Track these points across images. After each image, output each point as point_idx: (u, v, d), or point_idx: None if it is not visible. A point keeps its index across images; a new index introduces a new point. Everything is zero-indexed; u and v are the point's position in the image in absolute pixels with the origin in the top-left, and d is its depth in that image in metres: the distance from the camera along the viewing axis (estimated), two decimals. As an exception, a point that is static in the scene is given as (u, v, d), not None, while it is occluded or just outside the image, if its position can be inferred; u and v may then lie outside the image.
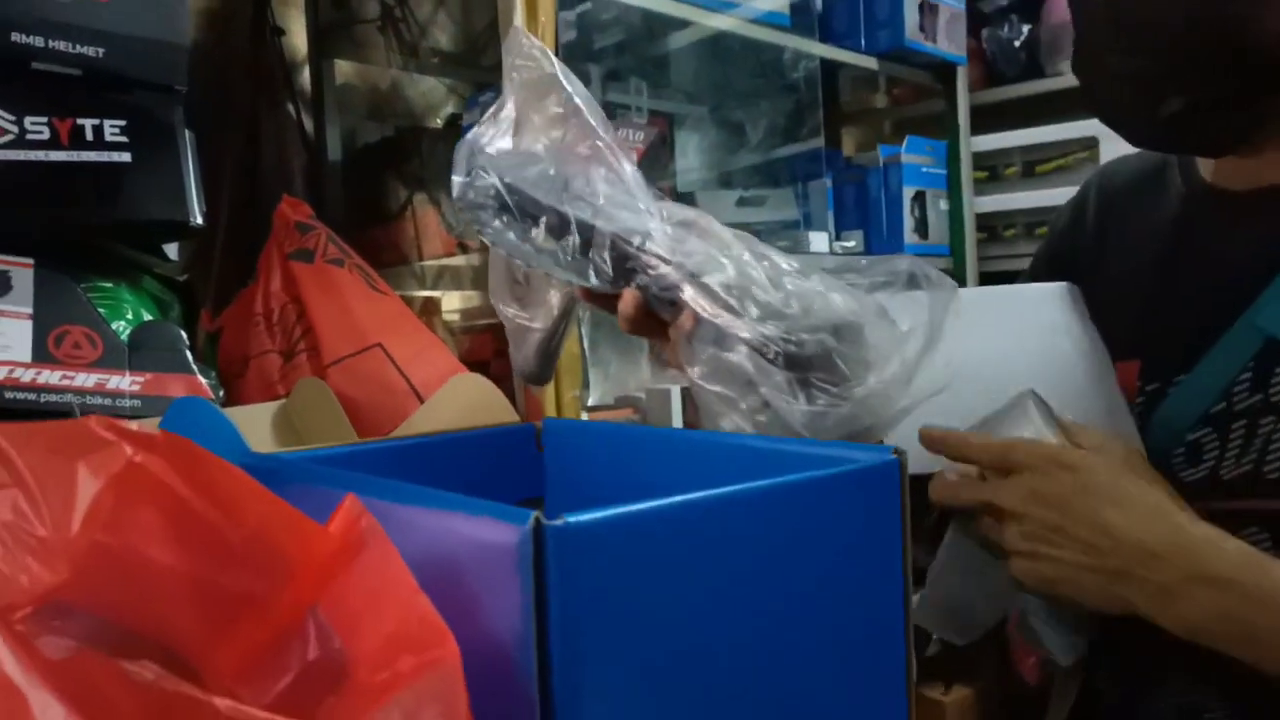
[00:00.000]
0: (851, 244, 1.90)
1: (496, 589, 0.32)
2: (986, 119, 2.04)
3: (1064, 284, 0.70)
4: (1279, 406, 0.59)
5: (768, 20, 1.59)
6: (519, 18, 1.21)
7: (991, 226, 2.08)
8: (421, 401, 1.00)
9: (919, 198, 1.92)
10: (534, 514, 0.31)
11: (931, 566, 0.63)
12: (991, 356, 0.62)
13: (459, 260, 1.50)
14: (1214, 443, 0.62)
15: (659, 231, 0.54)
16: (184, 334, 1.00)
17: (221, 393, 1.00)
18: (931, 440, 0.59)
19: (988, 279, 2.02)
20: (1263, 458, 0.58)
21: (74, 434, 0.28)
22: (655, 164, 1.63)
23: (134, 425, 0.30)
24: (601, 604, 0.32)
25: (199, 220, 1.02)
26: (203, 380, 0.97)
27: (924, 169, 1.92)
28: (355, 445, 0.60)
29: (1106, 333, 0.68)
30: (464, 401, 0.75)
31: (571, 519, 0.31)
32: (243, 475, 0.31)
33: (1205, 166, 0.66)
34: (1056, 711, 0.67)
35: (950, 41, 1.85)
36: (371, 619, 0.32)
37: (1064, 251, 0.79)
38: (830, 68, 1.88)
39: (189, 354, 0.99)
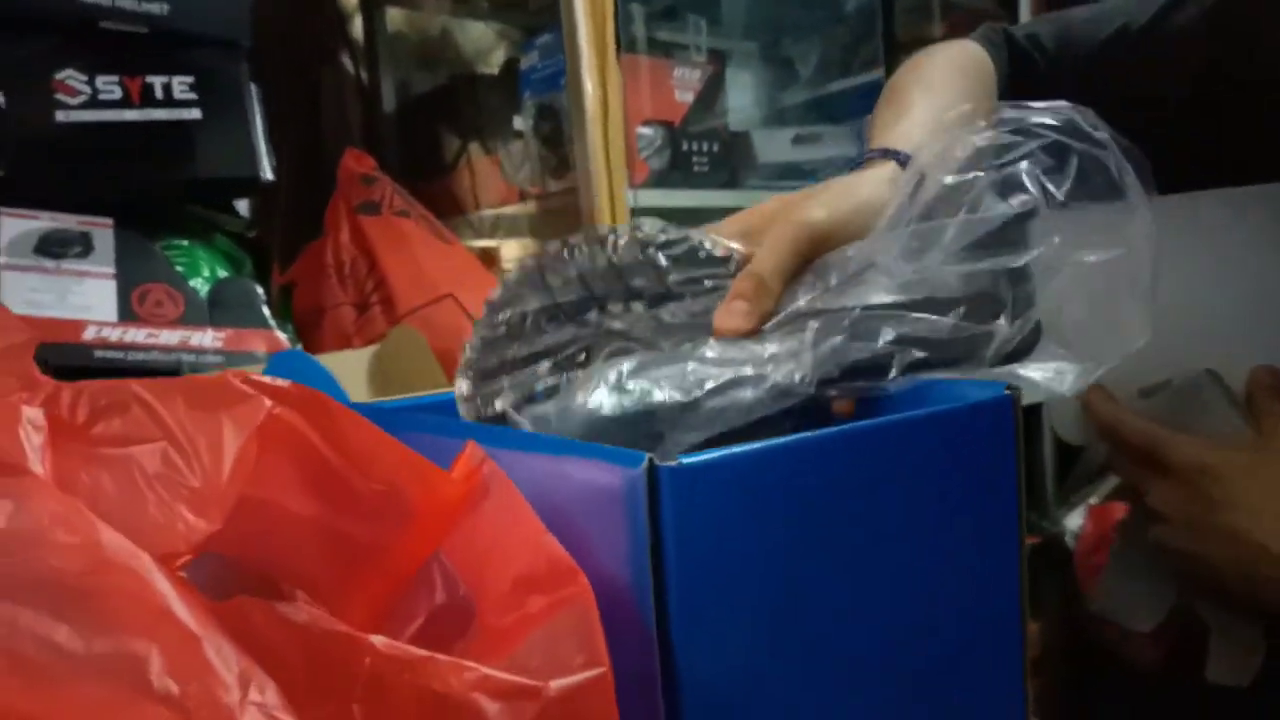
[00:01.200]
0: (912, 178, 1.87)
1: (612, 531, 0.33)
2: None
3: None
4: None
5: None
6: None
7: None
8: (493, 349, 1.01)
9: (980, 127, 1.87)
10: (648, 455, 0.31)
11: (1111, 551, 0.62)
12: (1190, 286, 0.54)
13: (517, 209, 1.50)
14: None
15: None
16: (258, 289, 1.02)
17: (299, 345, 1.02)
18: (1090, 407, 0.58)
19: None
20: None
21: (214, 388, 0.28)
22: (709, 104, 1.61)
23: (265, 379, 0.30)
24: (716, 545, 0.32)
25: (269, 175, 1.03)
26: (280, 334, 0.99)
27: (986, 98, 1.86)
28: (449, 392, 0.60)
29: None
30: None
31: (685, 460, 0.31)
32: (370, 425, 0.32)
33: None
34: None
35: (1014, -38, 1.78)
36: (498, 562, 0.32)
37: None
38: (887, -3, 1.83)
39: (266, 309, 1.01)
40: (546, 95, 1.31)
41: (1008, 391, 0.40)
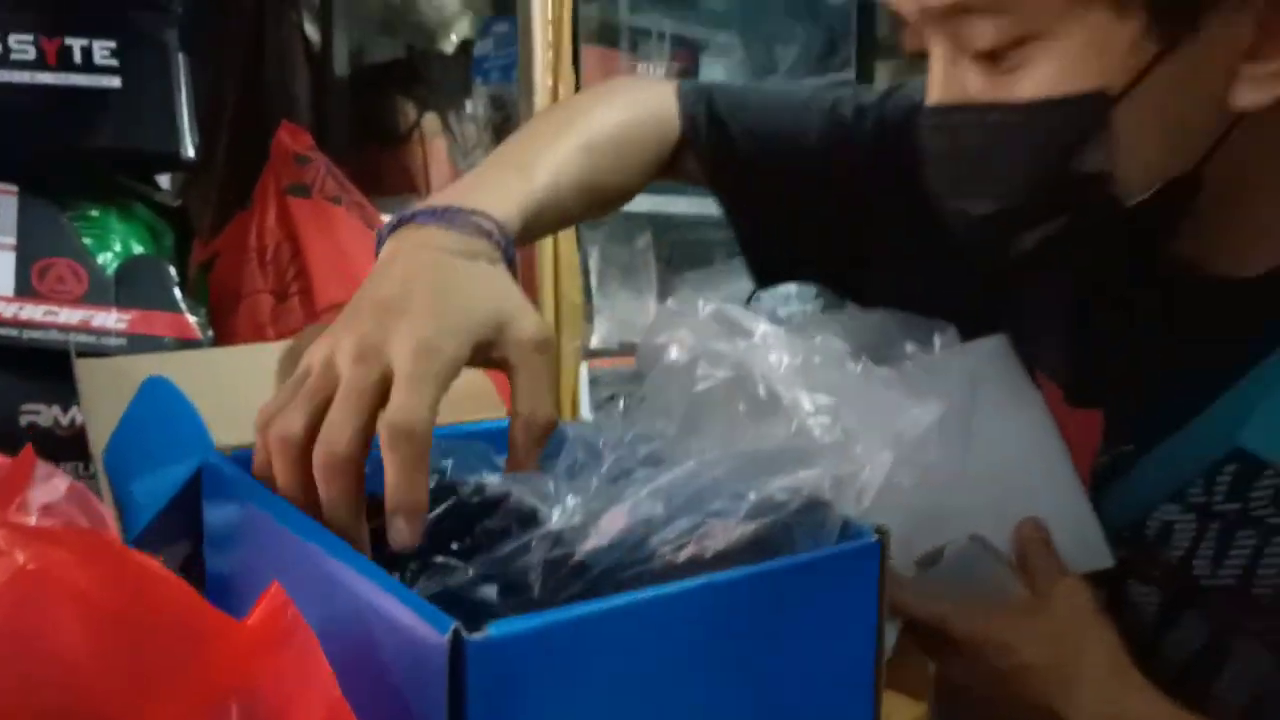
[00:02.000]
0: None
1: (418, 687, 0.30)
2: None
3: (998, 339, 0.64)
4: (1259, 521, 0.55)
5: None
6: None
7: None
8: (412, 353, 0.98)
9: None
10: (454, 624, 0.29)
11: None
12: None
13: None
14: (1189, 529, 0.58)
15: None
16: (173, 269, 0.98)
17: (210, 332, 0.98)
18: None
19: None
20: (1250, 575, 0.55)
21: (-42, 543, 0.26)
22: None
23: (30, 521, 0.28)
24: (526, 717, 0.30)
25: (191, 153, 0.98)
26: (191, 319, 0.95)
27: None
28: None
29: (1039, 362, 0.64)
30: (451, 391, 0.72)
31: (495, 631, 0.29)
32: (155, 567, 0.29)
33: (1190, 241, 0.59)
34: None
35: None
36: (291, 718, 0.30)
37: None
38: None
39: (178, 290, 0.96)
40: (499, 85, 1.27)
41: (876, 538, 0.38)
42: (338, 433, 0.39)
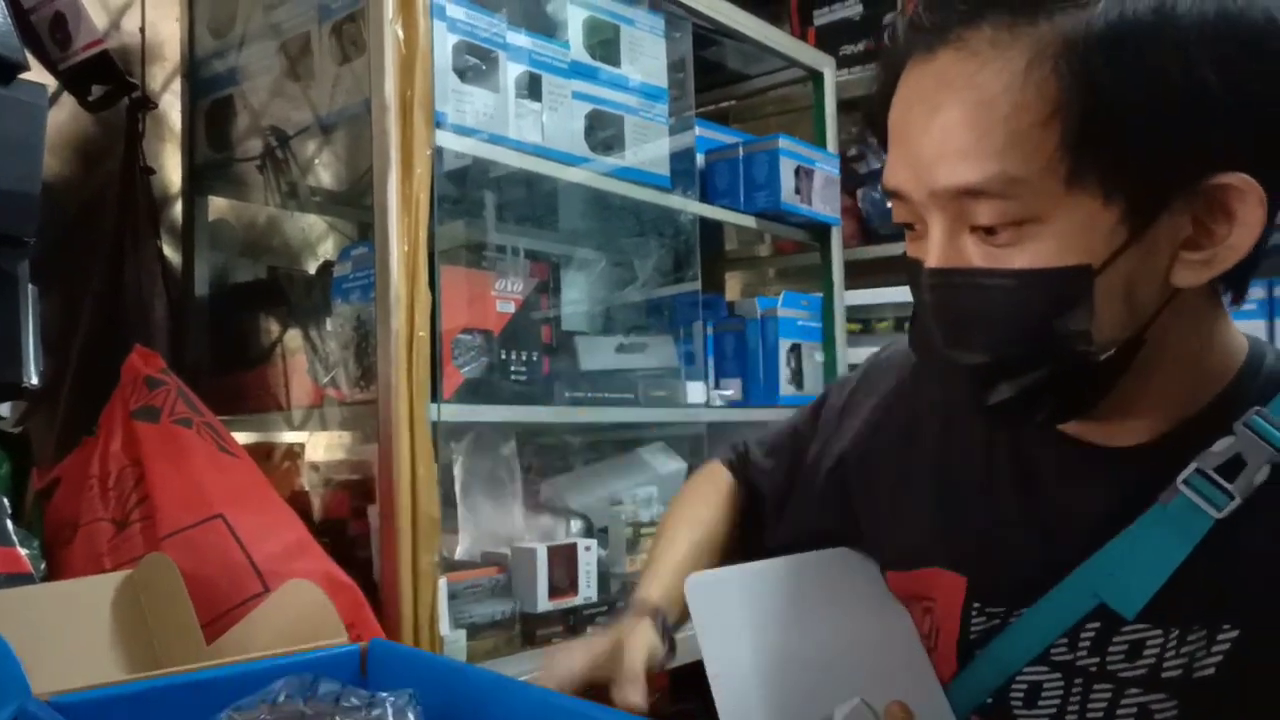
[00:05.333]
0: (729, 393, 1.94)
1: None
2: (862, 273, 2.12)
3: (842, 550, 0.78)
4: (1114, 675, 0.61)
5: (649, 182, 1.63)
6: (394, 168, 1.22)
7: (866, 376, 2.14)
8: (261, 577, 0.95)
9: (795, 349, 1.97)
10: None
11: None
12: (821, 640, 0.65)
13: (327, 407, 1.47)
14: (1056, 689, 0.63)
15: None
16: (5, 501, 0.95)
17: (43, 565, 0.94)
18: None
19: (861, 428, 2.06)
20: None
21: None
22: (535, 309, 1.63)
23: None
24: None
25: (34, 381, 0.97)
26: (21, 552, 0.91)
27: (799, 322, 1.98)
28: (164, 678, 0.57)
29: (905, 529, 0.74)
30: (296, 612, 0.72)
31: None
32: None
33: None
34: None
35: (825, 204, 1.93)
36: None
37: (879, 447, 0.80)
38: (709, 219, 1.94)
39: (9, 523, 0.93)
40: (358, 304, 1.31)
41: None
42: None
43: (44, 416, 1.31)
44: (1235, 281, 0.60)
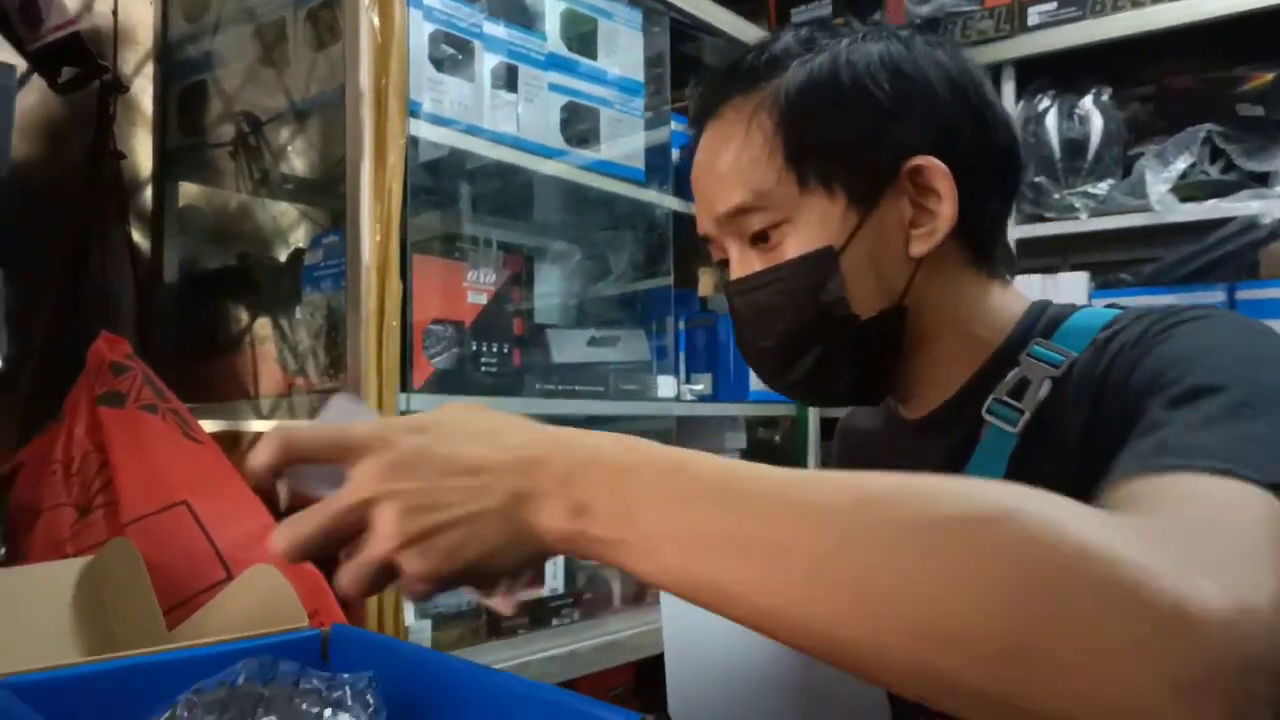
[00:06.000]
0: (700, 387, 1.94)
1: None
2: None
3: None
4: None
5: (623, 175, 1.64)
6: (367, 157, 1.21)
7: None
8: (225, 564, 0.95)
9: (766, 345, 1.98)
10: None
11: None
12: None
13: (295, 396, 1.46)
14: None
15: None
16: (-34, 485, 0.94)
17: (3, 550, 0.93)
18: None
19: (829, 425, 2.08)
20: None
21: None
22: (506, 301, 1.63)
23: None
24: None
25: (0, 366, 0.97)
26: (-20, 537, 0.91)
27: (771, 318, 1.99)
28: (124, 660, 0.56)
29: None
30: (259, 597, 0.71)
31: None
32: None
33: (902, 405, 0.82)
34: None
35: (798, 201, 1.94)
36: None
37: None
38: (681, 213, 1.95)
39: (-31, 508, 0.92)
40: (329, 293, 1.30)
41: (640, 729, 0.40)
42: None
43: (6, 401, 1.29)
44: (981, 253, 0.74)
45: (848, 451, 0.94)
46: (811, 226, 0.70)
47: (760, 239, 0.72)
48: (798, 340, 0.72)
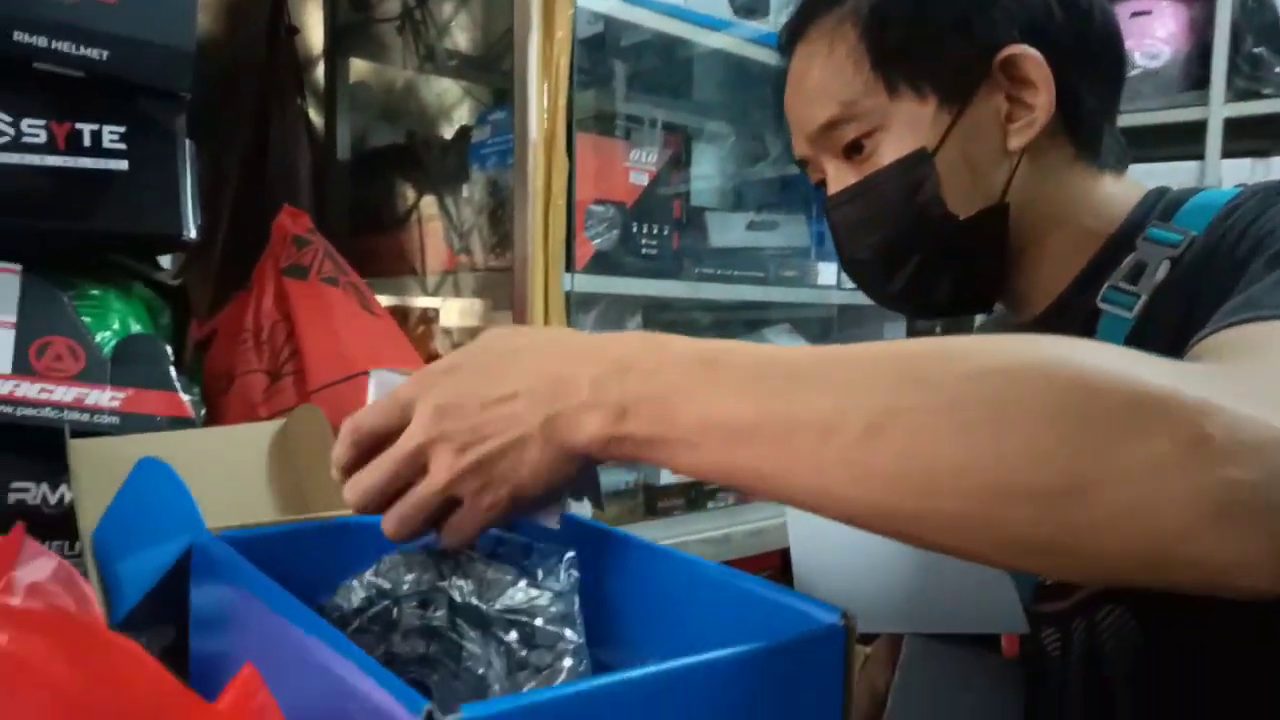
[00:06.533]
0: (862, 275, 1.88)
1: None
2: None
3: None
4: None
5: (790, 48, 1.56)
6: (535, 31, 1.19)
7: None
8: (403, 433, 0.98)
9: (934, 233, 1.89)
10: (427, 706, 0.29)
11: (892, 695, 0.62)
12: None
13: (461, 272, 1.49)
14: None
15: None
16: (169, 348, 0.99)
17: (203, 411, 0.99)
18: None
19: (998, 318, 1.98)
20: None
21: (-59, 622, 0.26)
22: (667, 182, 1.61)
23: (15, 600, 0.29)
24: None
25: (193, 234, 1.01)
26: (184, 398, 0.96)
27: (941, 204, 1.89)
28: (319, 521, 0.59)
29: None
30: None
31: (467, 713, 0.30)
32: (132, 648, 0.30)
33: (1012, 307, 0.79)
34: None
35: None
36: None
37: None
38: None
39: (172, 370, 0.98)
40: (494, 171, 1.31)
41: (843, 622, 0.39)
42: None
43: (199, 271, 1.36)
44: (1084, 143, 0.70)
45: None
46: (904, 132, 0.69)
47: (854, 150, 0.71)
48: (897, 248, 0.71)
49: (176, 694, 0.30)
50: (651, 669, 0.34)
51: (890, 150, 0.69)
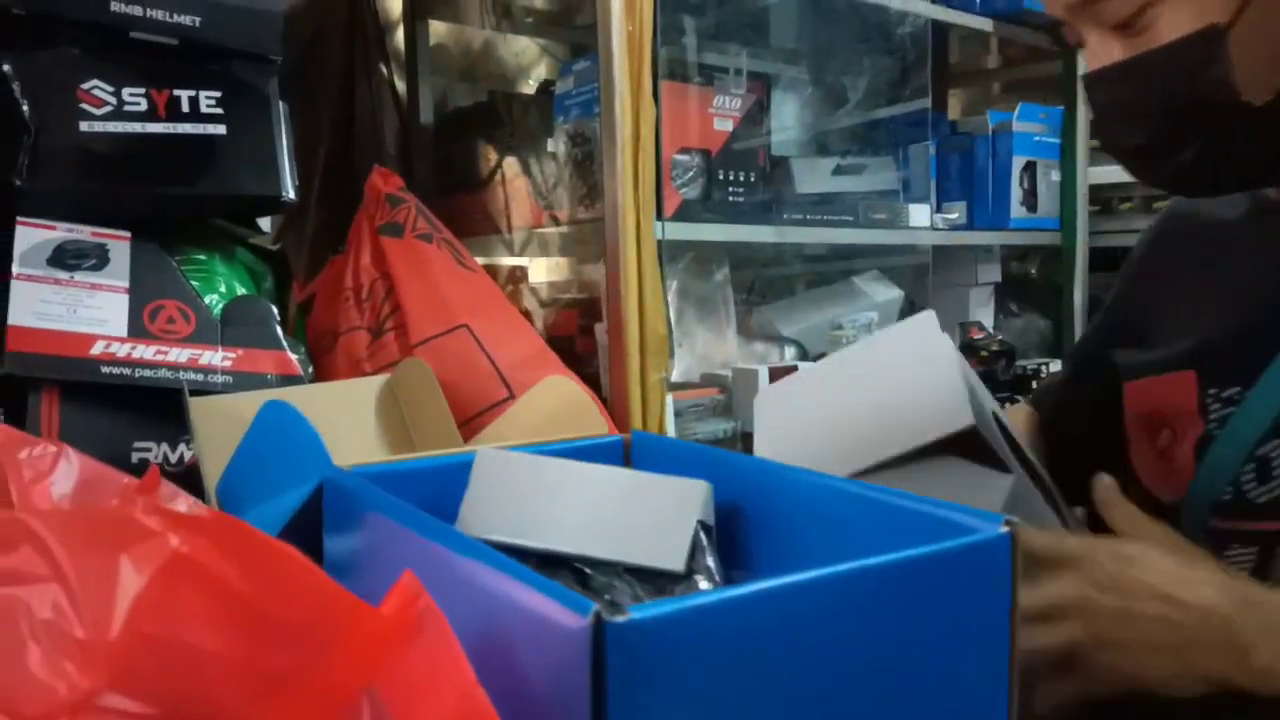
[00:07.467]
0: (954, 216, 1.82)
1: (554, 673, 0.30)
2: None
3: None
4: None
5: (877, -19, 1.51)
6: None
7: (1106, 199, 1.96)
8: (506, 384, 0.99)
9: (1029, 168, 1.82)
10: (594, 608, 0.29)
11: None
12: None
13: (548, 229, 1.48)
14: None
15: None
16: (275, 308, 1.01)
17: (310, 369, 1.00)
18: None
19: (1099, 254, 1.91)
20: None
21: (118, 523, 0.26)
22: (750, 130, 1.57)
23: (182, 506, 0.28)
24: (666, 703, 0.30)
25: (292, 195, 1.02)
26: (292, 356, 0.98)
27: (1036, 138, 1.82)
28: (442, 457, 0.59)
29: (1156, 348, 0.73)
30: (554, 405, 0.73)
31: (636, 614, 0.29)
32: (294, 555, 0.30)
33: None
34: None
35: (1072, 2, 1.73)
36: (426, 707, 0.30)
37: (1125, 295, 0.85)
38: (939, 26, 1.78)
39: (279, 329, 0.99)
40: (580, 121, 1.29)
41: (1005, 529, 0.37)
42: None
43: (294, 237, 1.39)
44: None
45: (1176, 237, 0.82)
46: (1189, 4, 0.60)
47: (1127, 25, 0.63)
48: (1174, 134, 0.64)
49: (341, 598, 0.30)
50: (816, 573, 0.32)
51: (1171, 25, 0.61)
